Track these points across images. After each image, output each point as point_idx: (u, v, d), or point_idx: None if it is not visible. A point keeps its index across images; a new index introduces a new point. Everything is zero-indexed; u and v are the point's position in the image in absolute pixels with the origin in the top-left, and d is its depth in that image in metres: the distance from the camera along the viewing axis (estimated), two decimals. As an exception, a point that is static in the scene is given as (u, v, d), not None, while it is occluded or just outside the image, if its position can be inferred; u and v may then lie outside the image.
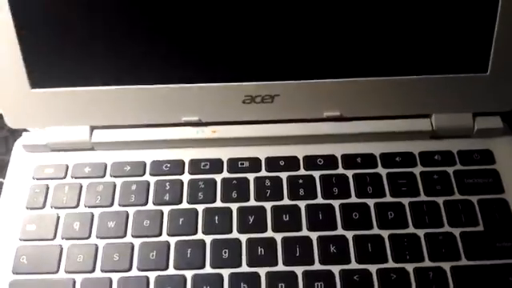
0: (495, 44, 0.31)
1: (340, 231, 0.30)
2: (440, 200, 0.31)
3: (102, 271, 0.29)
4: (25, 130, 0.34)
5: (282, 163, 0.33)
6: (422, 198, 0.31)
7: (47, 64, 0.31)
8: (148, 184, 0.32)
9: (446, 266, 0.28)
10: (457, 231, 0.30)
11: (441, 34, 0.31)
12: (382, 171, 0.32)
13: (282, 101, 0.32)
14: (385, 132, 0.33)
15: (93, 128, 0.33)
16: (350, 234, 0.30)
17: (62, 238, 0.30)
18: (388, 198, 0.31)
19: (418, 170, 0.32)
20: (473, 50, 0.31)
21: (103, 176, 0.32)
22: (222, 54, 0.31)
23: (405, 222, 0.30)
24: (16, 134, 0.35)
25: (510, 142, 0.33)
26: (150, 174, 0.33)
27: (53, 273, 0.29)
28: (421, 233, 0.30)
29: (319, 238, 0.29)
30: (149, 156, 0.33)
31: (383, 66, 0.32)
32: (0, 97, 0.32)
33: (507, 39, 0.30)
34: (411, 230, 0.30)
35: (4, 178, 0.33)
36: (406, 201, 0.31)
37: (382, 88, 0.32)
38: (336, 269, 0.28)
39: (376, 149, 0.33)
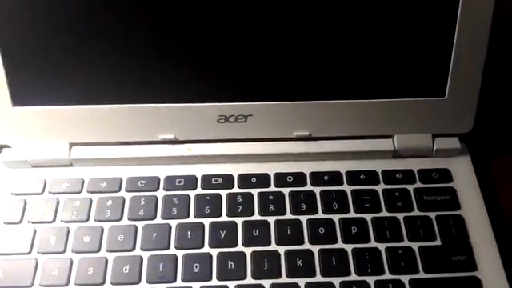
0: (452, 70, 0.32)
1: (307, 245, 0.31)
2: (400, 216, 0.32)
3: (76, 285, 0.29)
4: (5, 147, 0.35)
5: (253, 180, 0.34)
6: (384, 213, 0.32)
7: (28, 83, 0.32)
8: (123, 200, 0.33)
9: (405, 278, 0.30)
10: (416, 245, 0.31)
11: (402, 61, 0.33)
12: (347, 188, 0.33)
13: (255, 120, 0.34)
14: (350, 151, 0.35)
15: (72, 145, 0.34)
16: (315, 248, 0.31)
17: (38, 253, 0.31)
18: (352, 214, 0.32)
19: (380, 188, 0.33)
20: (431, 75, 0.33)
21: (80, 192, 0.33)
22: (198, 75, 0.33)
23: (367, 236, 0.31)
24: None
25: (467, 161, 0.35)
26: (126, 190, 0.33)
27: (27, 287, 0.29)
28: (382, 247, 0.31)
29: (287, 252, 0.31)
30: (125, 172, 0.34)
31: (349, 90, 0.33)
32: (-18, 114, 0.33)
33: (463, 65, 0.32)
34: (373, 244, 0.31)
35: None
36: (368, 216, 0.32)
37: (348, 110, 0.34)
38: (302, 282, 0.29)
39: (342, 167, 0.34)
